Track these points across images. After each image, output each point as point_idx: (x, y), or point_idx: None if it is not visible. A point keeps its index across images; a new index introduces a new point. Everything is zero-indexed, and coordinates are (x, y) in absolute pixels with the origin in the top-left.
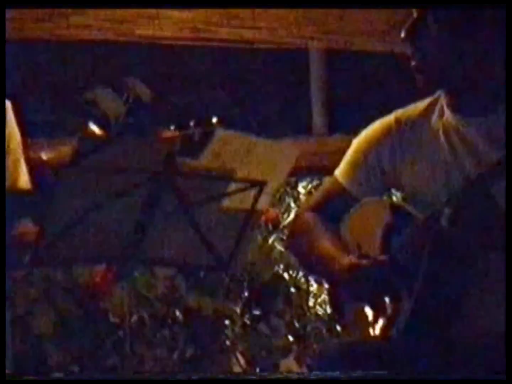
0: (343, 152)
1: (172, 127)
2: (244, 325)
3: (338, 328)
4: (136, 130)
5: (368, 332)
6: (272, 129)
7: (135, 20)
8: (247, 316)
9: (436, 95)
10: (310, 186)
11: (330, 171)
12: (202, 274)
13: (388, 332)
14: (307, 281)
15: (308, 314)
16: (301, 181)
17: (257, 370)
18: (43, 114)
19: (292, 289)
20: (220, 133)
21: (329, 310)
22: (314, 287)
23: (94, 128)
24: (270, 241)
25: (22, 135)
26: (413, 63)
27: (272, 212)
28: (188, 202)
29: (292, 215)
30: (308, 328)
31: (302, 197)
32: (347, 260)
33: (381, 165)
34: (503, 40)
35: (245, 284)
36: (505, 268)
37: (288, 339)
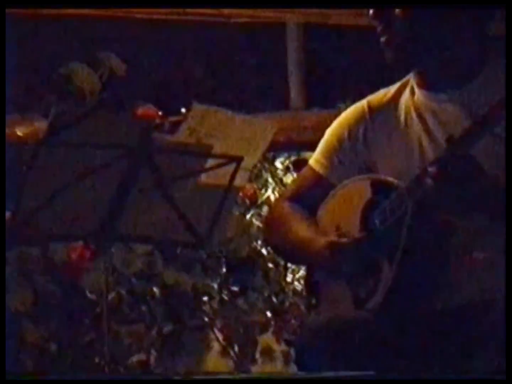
0: (320, 126)
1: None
2: (222, 301)
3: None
4: (111, 105)
5: (347, 308)
6: (249, 104)
7: None
8: (225, 292)
9: (406, 77)
10: (287, 161)
11: (307, 146)
12: (179, 250)
13: (368, 305)
14: None
15: (286, 289)
16: (279, 156)
17: (235, 346)
18: (17, 90)
19: (270, 265)
20: (196, 108)
21: None
22: None
23: (69, 103)
24: (248, 217)
25: None
26: (382, 39)
27: (250, 187)
28: (165, 178)
29: (269, 191)
30: (286, 304)
31: (279, 172)
32: (324, 240)
33: (355, 148)
34: (475, 16)
35: (223, 260)
36: (506, 268)
37: (266, 315)
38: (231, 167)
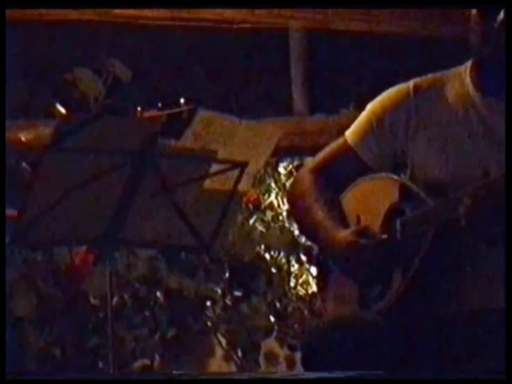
0: (323, 132)
1: (155, 108)
2: (225, 306)
3: (322, 308)
4: (116, 111)
5: (353, 308)
6: (253, 110)
7: None
8: (228, 297)
9: (456, 68)
10: (290, 166)
11: (311, 151)
12: (183, 255)
13: (374, 307)
14: (288, 261)
15: (289, 294)
16: (282, 161)
17: (239, 351)
18: (23, 95)
19: (273, 270)
20: (201, 114)
21: (310, 291)
22: (295, 267)
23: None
24: (251, 222)
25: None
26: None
27: (253, 193)
28: (170, 183)
29: (272, 196)
30: (289, 309)
31: (282, 177)
32: (343, 234)
33: (394, 131)
34: None
35: (226, 265)
36: (505, 267)
37: (269, 320)
38: (235, 173)
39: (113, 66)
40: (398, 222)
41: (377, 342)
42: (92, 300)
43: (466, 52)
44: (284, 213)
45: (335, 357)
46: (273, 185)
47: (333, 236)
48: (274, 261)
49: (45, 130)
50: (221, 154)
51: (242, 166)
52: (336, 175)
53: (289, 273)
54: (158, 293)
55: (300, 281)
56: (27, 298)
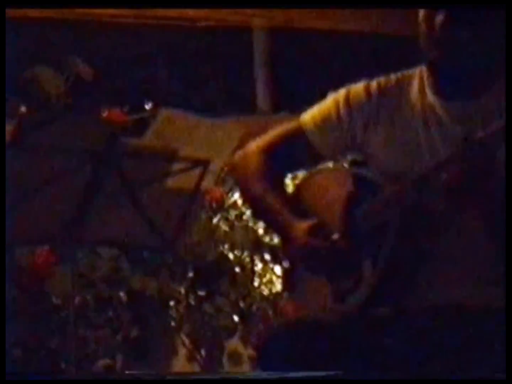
0: None
1: (117, 107)
2: (189, 305)
3: (286, 307)
4: (77, 109)
5: (324, 302)
6: (216, 108)
7: None
8: (192, 296)
9: (418, 68)
10: None
11: None
12: (146, 254)
13: (349, 299)
14: (252, 261)
15: (253, 293)
16: None
17: (202, 351)
18: None
19: (237, 269)
20: (163, 112)
21: (274, 290)
22: (259, 266)
23: (35, 107)
24: (215, 221)
25: None
26: (427, 41)
27: (216, 191)
28: (132, 182)
29: (236, 195)
30: (253, 308)
31: None
32: (301, 233)
33: (351, 126)
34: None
35: (190, 264)
36: (506, 267)
37: (233, 319)
38: (197, 171)
39: (75, 65)
40: (358, 211)
41: (345, 340)
42: (54, 300)
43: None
44: (248, 212)
45: (292, 358)
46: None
47: (292, 229)
48: (238, 260)
49: (7, 128)
50: (183, 153)
51: (204, 164)
52: (286, 158)
53: (253, 272)
54: (120, 293)
55: (264, 280)
56: None
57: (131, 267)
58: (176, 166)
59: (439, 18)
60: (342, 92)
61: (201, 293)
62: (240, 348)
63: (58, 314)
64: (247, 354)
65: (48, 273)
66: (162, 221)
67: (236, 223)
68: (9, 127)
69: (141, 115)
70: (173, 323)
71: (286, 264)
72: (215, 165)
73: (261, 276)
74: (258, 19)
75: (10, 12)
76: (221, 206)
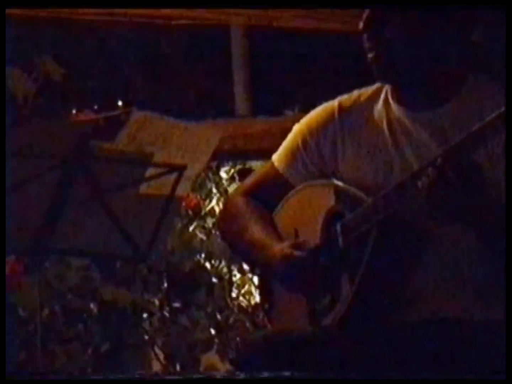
0: (267, 135)
1: (89, 109)
2: (163, 318)
3: (265, 319)
4: (46, 111)
5: (301, 321)
6: (193, 111)
7: None
8: (166, 308)
9: (380, 84)
10: (232, 170)
11: (254, 155)
12: (118, 264)
13: (324, 321)
14: (230, 271)
15: (231, 305)
16: (224, 165)
17: (177, 366)
18: None
19: (214, 280)
20: (137, 115)
21: (253, 301)
22: (237, 277)
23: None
24: (191, 229)
25: None
26: (370, 55)
27: (193, 198)
28: (103, 188)
29: (214, 202)
30: (231, 321)
31: (224, 182)
32: (278, 249)
33: (321, 152)
34: (458, 38)
35: (164, 274)
36: (506, 268)
37: (210, 333)
38: (173, 177)
39: (44, 64)
40: (338, 226)
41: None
42: (21, 312)
43: None
44: None
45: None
46: (214, 190)
47: (269, 251)
48: (215, 270)
49: None
50: (158, 157)
51: (180, 169)
52: (267, 198)
53: (230, 283)
54: (91, 305)
55: (243, 291)
56: None
57: (102, 277)
58: (150, 171)
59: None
60: (303, 120)
61: (176, 305)
62: (217, 363)
63: (25, 327)
64: (224, 369)
65: (14, 284)
66: (135, 229)
67: (213, 231)
68: None
69: (113, 113)
70: (146, 337)
71: (261, 279)
72: (192, 171)
73: (239, 287)
74: (236, 18)
75: None
76: (197, 214)
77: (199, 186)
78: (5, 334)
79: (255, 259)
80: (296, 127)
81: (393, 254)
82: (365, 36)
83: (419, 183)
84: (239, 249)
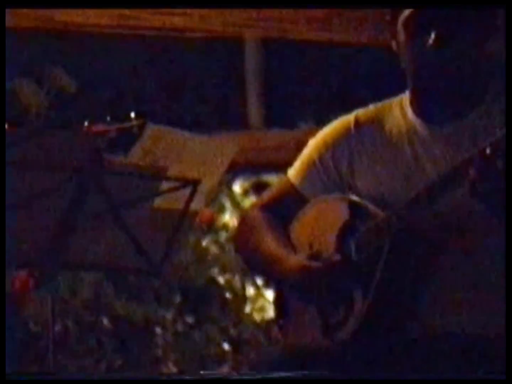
0: (281, 148)
1: (102, 122)
2: (176, 333)
3: (280, 334)
4: (59, 124)
5: (315, 336)
6: (206, 124)
7: None
8: (179, 323)
9: (398, 97)
10: (246, 184)
11: (268, 168)
12: (131, 278)
13: (337, 335)
14: (244, 285)
15: (244, 320)
16: (237, 179)
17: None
18: None
19: (228, 294)
20: (151, 128)
21: (266, 316)
22: (251, 292)
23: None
24: (205, 243)
25: None
26: (403, 64)
27: (207, 212)
28: (117, 202)
29: (227, 215)
30: (245, 336)
31: (238, 196)
32: (295, 260)
33: (338, 167)
34: (480, 47)
35: (178, 289)
36: (506, 268)
37: (223, 348)
38: (187, 191)
39: (57, 77)
40: (351, 238)
41: (339, 371)
42: (33, 328)
43: None
44: None
45: None
46: (227, 204)
47: (286, 264)
48: (229, 285)
49: None
50: (172, 171)
51: (194, 183)
52: (283, 213)
53: (244, 297)
54: (104, 320)
55: (256, 306)
56: None
57: (115, 292)
58: (165, 185)
59: (427, 39)
60: (319, 135)
61: (190, 319)
62: None
63: (37, 343)
64: None
65: (26, 298)
66: (149, 243)
67: (227, 245)
68: None
69: (126, 125)
70: (159, 352)
71: (276, 293)
72: (206, 185)
73: (253, 301)
74: (249, 29)
75: None
76: (211, 228)
77: (213, 200)
78: (5, 334)
79: (271, 272)
80: (312, 142)
81: (406, 268)
82: (394, 43)
83: (459, 179)
84: (255, 262)
